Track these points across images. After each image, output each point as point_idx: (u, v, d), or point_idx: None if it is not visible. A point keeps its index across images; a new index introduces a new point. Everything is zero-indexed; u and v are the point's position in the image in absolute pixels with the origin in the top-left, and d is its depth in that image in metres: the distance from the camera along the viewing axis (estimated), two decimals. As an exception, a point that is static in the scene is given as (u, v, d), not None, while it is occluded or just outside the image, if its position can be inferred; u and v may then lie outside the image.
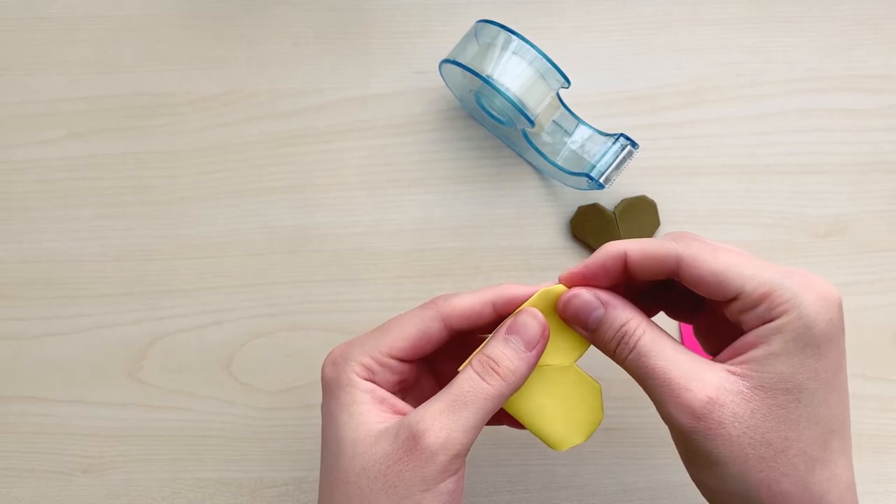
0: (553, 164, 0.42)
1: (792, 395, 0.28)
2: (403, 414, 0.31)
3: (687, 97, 0.45)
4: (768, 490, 0.28)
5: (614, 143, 0.40)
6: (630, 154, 0.40)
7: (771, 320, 0.28)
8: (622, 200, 0.44)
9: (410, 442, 0.29)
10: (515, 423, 0.34)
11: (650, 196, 0.44)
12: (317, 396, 0.36)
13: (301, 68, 0.46)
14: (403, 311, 0.33)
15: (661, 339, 0.30)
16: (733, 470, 0.28)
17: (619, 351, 0.31)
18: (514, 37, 0.39)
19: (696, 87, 0.45)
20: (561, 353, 0.33)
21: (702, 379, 0.29)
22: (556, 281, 0.33)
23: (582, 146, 0.42)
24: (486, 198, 0.45)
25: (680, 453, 0.31)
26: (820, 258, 0.44)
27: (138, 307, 0.44)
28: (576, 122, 0.42)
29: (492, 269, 0.44)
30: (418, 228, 0.45)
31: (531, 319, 0.31)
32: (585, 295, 0.31)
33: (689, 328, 0.42)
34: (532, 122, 0.40)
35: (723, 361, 0.30)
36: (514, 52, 0.39)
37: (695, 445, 0.29)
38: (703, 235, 0.31)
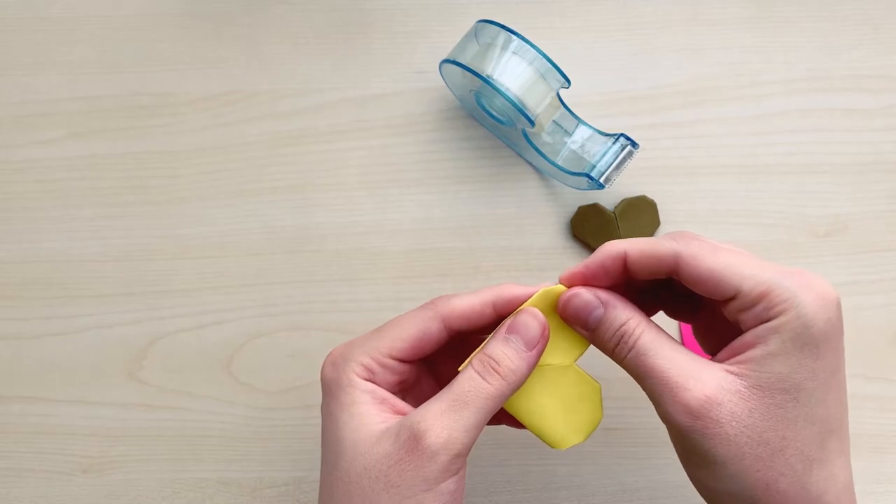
0: (553, 164, 0.42)
1: (790, 395, 0.28)
2: (404, 414, 0.31)
3: (687, 97, 0.45)
4: (765, 489, 0.28)
5: (614, 143, 0.40)
6: (630, 154, 0.40)
7: (769, 320, 0.28)
8: (622, 200, 0.44)
9: (412, 442, 0.29)
10: (515, 423, 0.34)
11: (650, 196, 0.44)
12: (317, 396, 0.36)
13: (301, 68, 0.46)
14: (403, 312, 0.33)
15: (659, 339, 0.30)
16: (731, 469, 0.28)
17: (618, 350, 0.31)
18: (514, 37, 0.39)
19: (696, 87, 0.45)
20: (561, 352, 0.33)
21: (700, 378, 0.29)
22: (556, 281, 0.33)
23: (582, 146, 0.42)
24: (486, 198, 0.45)
25: (678, 453, 0.31)
26: (820, 258, 0.44)
27: (138, 307, 0.44)
28: (576, 122, 0.42)
29: (492, 269, 0.44)
30: (418, 228, 0.45)
31: (531, 319, 0.31)
32: (585, 294, 0.31)
33: (688, 328, 0.42)
34: (532, 122, 0.40)
35: (721, 361, 0.30)
36: (514, 52, 0.39)
37: (692, 444, 0.29)
38: (703, 235, 0.31)
